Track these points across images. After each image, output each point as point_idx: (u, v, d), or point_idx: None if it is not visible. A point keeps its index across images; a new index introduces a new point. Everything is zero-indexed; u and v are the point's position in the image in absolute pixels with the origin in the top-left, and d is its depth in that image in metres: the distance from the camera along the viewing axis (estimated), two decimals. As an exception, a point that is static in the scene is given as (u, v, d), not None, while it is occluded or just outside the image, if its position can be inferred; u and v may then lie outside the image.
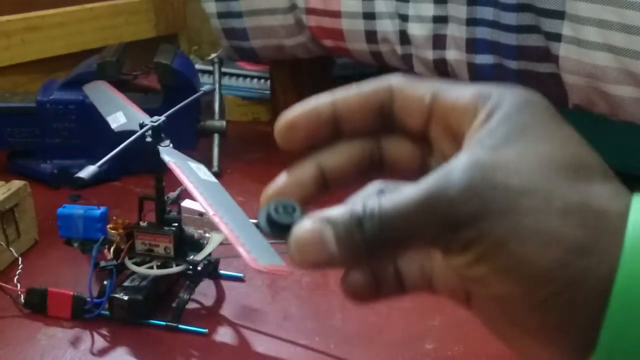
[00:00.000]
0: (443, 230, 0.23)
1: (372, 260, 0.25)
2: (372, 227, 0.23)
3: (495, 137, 0.24)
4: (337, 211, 0.24)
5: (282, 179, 0.28)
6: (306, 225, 0.25)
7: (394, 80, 0.28)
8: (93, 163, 0.56)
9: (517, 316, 0.24)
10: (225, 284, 0.76)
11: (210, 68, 1.23)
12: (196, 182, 0.59)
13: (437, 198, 0.23)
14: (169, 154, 0.64)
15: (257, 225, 0.26)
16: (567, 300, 0.22)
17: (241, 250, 0.52)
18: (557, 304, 0.22)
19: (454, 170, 0.23)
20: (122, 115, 0.72)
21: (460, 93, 0.26)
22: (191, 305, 0.71)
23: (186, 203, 0.70)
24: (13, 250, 0.78)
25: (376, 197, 0.24)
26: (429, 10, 0.84)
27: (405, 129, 0.28)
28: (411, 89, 0.27)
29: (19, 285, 0.72)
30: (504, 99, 0.25)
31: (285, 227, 0.25)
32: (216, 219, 0.55)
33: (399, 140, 0.28)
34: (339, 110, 0.27)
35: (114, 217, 0.71)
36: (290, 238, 0.25)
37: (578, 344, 0.23)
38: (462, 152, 0.24)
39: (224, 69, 1.23)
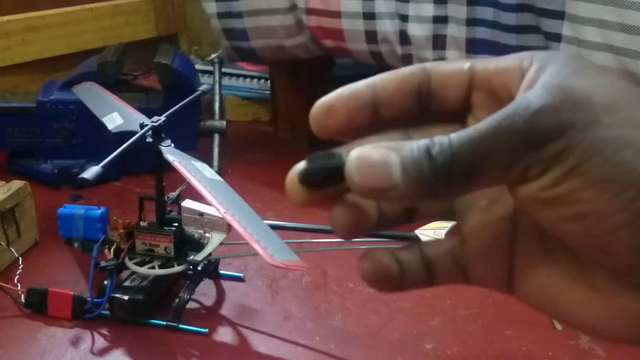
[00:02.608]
0: (523, 150, 0.22)
1: (437, 195, 0.23)
2: (443, 154, 0.22)
3: (562, 75, 0.23)
4: (402, 143, 0.23)
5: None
6: (371, 148, 0.23)
7: (428, 63, 0.27)
8: (93, 163, 0.56)
9: (605, 238, 0.22)
10: (225, 284, 0.76)
11: (210, 68, 1.23)
12: (204, 181, 0.59)
13: (518, 115, 0.22)
14: (172, 154, 0.64)
15: (303, 172, 0.24)
16: None
17: (257, 247, 0.52)
18: None
19: (531, 93, 0.22)
20: (118, 115, 0.72)
21: (500, 58, 0.25)
22: (191, 305, 0.71)
23: (186, 203, 0.70)
24: (13, 250, 0.78)
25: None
26: (429, 10, 0.84)
27: (444, 105, 0.27)
28: (447, 65, 0.27)
29: (19, 285, 0.73)
30: (549, 57, 0.24)
31: (333, 169, 0.23)
32: (228, 217, 0.55)
33: (430, 128, 0.27)
34: (377, 93, 0.27)
35: (114, 217, 0.71)
36: (351, 158, 0.23)
37: None
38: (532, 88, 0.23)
39: (224, 69, 1.23)
